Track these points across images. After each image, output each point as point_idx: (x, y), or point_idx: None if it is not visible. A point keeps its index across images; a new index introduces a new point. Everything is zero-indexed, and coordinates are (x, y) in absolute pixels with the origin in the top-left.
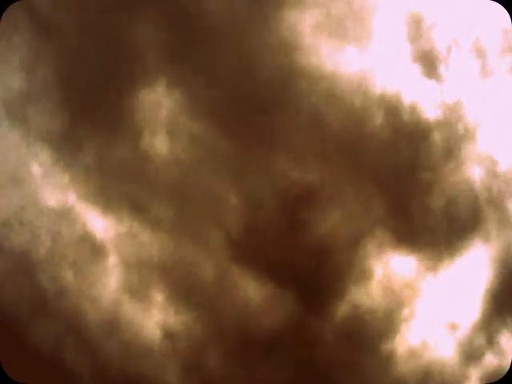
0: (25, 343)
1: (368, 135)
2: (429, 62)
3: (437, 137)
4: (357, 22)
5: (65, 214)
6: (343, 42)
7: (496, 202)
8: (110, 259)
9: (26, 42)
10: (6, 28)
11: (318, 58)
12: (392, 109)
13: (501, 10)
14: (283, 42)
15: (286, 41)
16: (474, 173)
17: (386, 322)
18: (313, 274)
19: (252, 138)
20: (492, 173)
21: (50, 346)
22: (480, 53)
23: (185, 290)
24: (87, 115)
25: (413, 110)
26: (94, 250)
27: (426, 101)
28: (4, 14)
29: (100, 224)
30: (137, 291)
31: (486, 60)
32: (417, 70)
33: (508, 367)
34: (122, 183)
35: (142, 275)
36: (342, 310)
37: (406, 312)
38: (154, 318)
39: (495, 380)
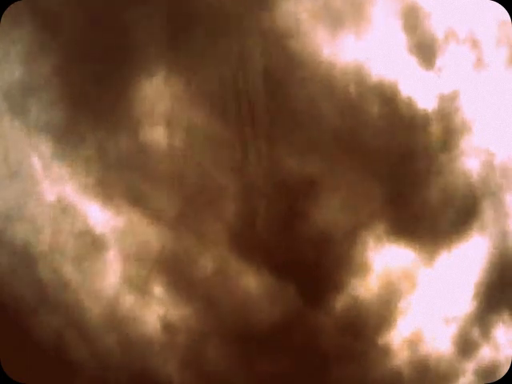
0: (25, 341)
1: (365, 126)
2: (426, 53)
3: (434, 128)
4: (354, 10)
5: (65, 207)
6: (340, 30)
7: (493, 194)
8: (110, 252)
9: (26, 34)
10: (8, 22)
11: (315, 46)
12: (389, 99)
13: (497, 5)
14: (281, 30)
15: (283, 29)
16: (471, 165)
17: (383, 314)
18: (312, 265)
19: (251, 128)
20: (489, 165)
21: (50, 342)
22: (476, 44)
23: (184, 282)
24: (87, 107)
25: (409, 101)
26: (94, 242)
27: (423, 92)
28: (6, 10)
29: (100, 217)
30: (136, 284)
31: (482, 52)
32: (414, 60)
33: (504, 361)
34: (122, 175)
35: (141, 268)
36: (341, 302)
37: (403, 304)
38: (153, 311)
39: (495, 380)
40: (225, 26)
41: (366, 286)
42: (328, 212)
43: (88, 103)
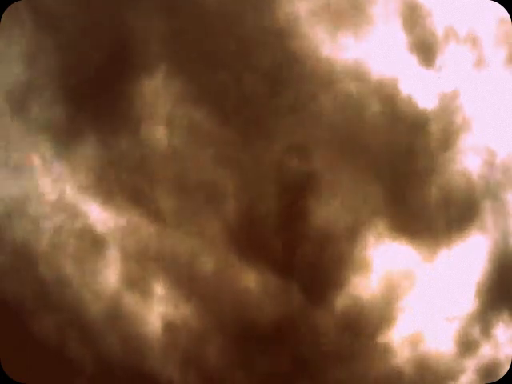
0: (25, 340)
1: (365, 125)
2: (426, 52)
3: (434, 127)
4: (354, 10)
5: (65, 206)
6: (340, 30)
7: (493, 192)
8: (110, 251)
9: (27, 33)
10: (8, 21)
11: (316, 45)
12: (389, 98)
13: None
14: (281, 29)
15: (284, 28)
16: (471, 163)
17: (384, 313)
18: (313, 264)
19: (251, 127)
20: (489, 163)
21: (50, 342)
22: (476, 43)
23: (185, 281)
24: (87, 107)
25: (410, 99)
26: (95, 241)
27: (423, 91)
28: (6, 10)
29: (100, 215)
30: (137, 283)
31: (482, 51)
32: (414, 59)
33: (504, 360)
34: (122, 174)
35: (141, 267)
36: (342, 300)
37: (403, 302)
38: (154, 310)
39: (496, 379)
40: (225, 24)
41: (367, 284)
42: (329, 210)
43: (88, 103)
